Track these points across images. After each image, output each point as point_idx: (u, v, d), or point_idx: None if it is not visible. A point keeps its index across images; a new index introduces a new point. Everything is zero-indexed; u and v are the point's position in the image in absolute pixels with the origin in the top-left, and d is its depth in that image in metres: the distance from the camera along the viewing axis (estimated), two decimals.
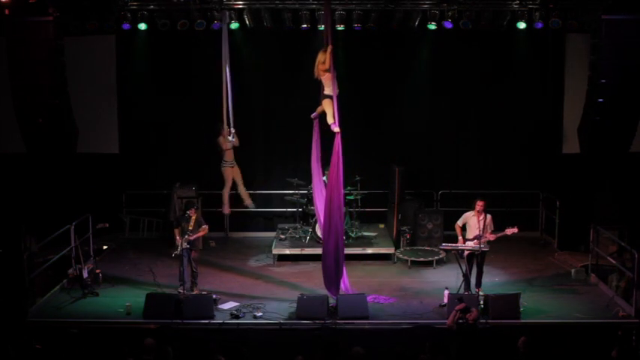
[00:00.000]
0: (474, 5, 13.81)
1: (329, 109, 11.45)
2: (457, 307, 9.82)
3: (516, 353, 8.88)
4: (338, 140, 11.31)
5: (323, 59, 11.38)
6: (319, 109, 11.72)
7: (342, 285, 11.78)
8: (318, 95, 11.63)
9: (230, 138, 13.57)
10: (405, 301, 11.91)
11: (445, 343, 9.20)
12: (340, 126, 11.34)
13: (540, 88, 15.87)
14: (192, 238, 11.95)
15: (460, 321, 9.63)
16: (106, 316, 11.27)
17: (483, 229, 11.65)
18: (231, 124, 13.50)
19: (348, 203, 14.72)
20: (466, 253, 11.68)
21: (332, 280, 11.63)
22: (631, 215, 14.18)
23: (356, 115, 14.95)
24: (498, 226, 11.80)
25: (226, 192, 13.93)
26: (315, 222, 14.08)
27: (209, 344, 10.05)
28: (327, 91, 11.46)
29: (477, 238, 11.57)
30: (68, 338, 10.39)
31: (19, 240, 13.29)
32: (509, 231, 11.55)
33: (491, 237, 11.70)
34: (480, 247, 11.60)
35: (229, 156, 13.70)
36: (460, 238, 11.82)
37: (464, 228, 11.89)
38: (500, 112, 15.92)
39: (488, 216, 11.80)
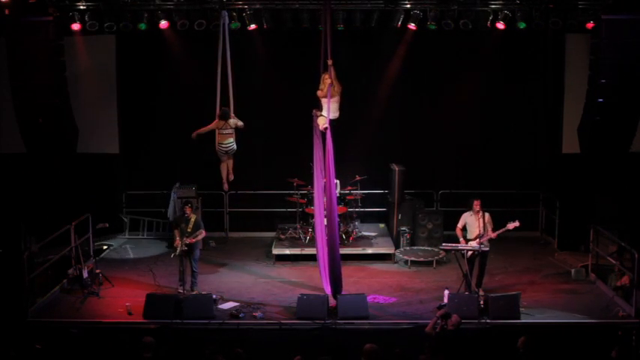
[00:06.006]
0: (474, 5, 13.80)
1: (322, 122, 11.61)
2: (438, 313, 9.77)
3: (516, 353, 8.88)
4: (329, 139, 11.37)
5: (322, 85, 11.52)
6: (318, 114, 11.79)
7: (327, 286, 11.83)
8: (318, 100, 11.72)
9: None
10: (405, 301, 11.92)
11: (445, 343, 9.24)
12: (337, 125, 11.41)
13: (540, 88, 15.87)
14: (191, 241, 11.96)
15: (444, 326, 9.52)
16: (106, 316, 11.27)
17: (484, 227, 11.67)
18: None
19: (348, 203, 14.76)
20: (469, 253, 11.69)
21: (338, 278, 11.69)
22: (631, 215, 14.18)
23: (356, 115, 14.94)
24: (498, 226, 11.81)
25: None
26: None
27: (208, 345, 10.05)
28: (324, 112, 11.60)
29: (479, 237, 11.57)
30: (68, 338, 10.42)
31: (19, 240, 13.30)
32: (511, 225, 11.56)
33: (494, 234, 11.72)
34: (480, 248, 11.61)
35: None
36: (462, 240, 11.84)
37: (464, 229, 11.91)
38: (500, 112, 15.91)
39: (487, 215, 11.82)
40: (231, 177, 13.06)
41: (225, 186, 13.25)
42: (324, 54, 11.53)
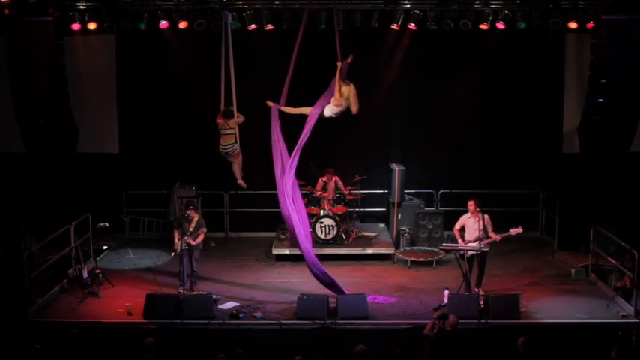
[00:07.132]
0: (474, 5, 13.81)
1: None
2: (434, 315, 9.74)
3: (516, 353, 8.89)
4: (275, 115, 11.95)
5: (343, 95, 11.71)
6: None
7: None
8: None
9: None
10: (405, 301, 11.91)
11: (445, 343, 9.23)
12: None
13: (540, 88, 15.86)
14: (193, 243, 11.96)
15: (442, 327, 9.50)
16: (106, 316, 11.27)
17: (484, 229, 11.65)
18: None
19: (348, 203, 14.77)
20: (469, 253, 11.68)
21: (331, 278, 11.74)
22: (631, 215, 14.18)
23: (356, 115, 14.91)
24: (499, 226, 11.81)
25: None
26: (315, 222, 14.11)
27: (209, 344, 10.07)
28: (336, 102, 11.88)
29: (479, 239, 11.57)
30: (68, 338, 10.42)
31: (19, 240, 13.30)
32: (514, 231, 11.55)
33: (498, 237, 11.68)
34: (481, 248, 11.62)
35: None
36: (460, 240, 11.83)
37: (462, 230, 11.91)
38: (500, 112, 15.90)
39: (486, 216, 11.81)
40: (240, 173, 13.24)
41: (241, 183, 13.29)
42: (297, 54, 11.78)
